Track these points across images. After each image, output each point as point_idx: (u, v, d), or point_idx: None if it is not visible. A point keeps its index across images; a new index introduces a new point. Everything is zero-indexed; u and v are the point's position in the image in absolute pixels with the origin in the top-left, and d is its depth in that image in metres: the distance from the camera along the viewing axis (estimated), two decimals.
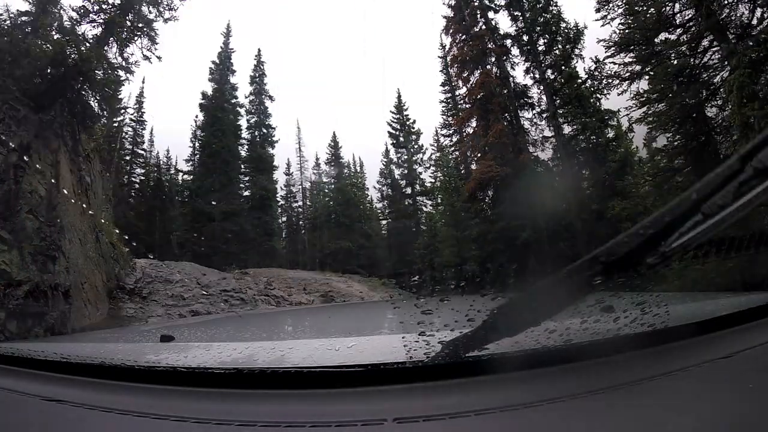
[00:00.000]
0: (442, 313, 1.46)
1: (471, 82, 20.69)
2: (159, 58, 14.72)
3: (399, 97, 40.79)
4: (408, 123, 40.51)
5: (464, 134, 23.08)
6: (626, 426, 0.87)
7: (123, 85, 13.26)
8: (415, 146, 39.89)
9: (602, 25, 14.24)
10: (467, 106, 21.74)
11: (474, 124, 21.02)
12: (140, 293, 14.17)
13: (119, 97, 38.23)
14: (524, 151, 19.31)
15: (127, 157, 41.02)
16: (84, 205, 11.57)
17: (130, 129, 40.45)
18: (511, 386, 1.01)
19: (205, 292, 14.87)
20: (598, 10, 14.46)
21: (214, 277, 18.72)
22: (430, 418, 0.90)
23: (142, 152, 40.70)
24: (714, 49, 11.91)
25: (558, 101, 19.73)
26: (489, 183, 18.97)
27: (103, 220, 15.03)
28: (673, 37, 12.63)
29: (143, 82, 42.05)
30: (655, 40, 12.80)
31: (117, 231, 17.59)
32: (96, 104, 12.04)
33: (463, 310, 1.32)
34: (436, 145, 37.26)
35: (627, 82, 13.74)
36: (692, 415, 0.88)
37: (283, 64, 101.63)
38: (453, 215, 20.45)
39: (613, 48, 13.62)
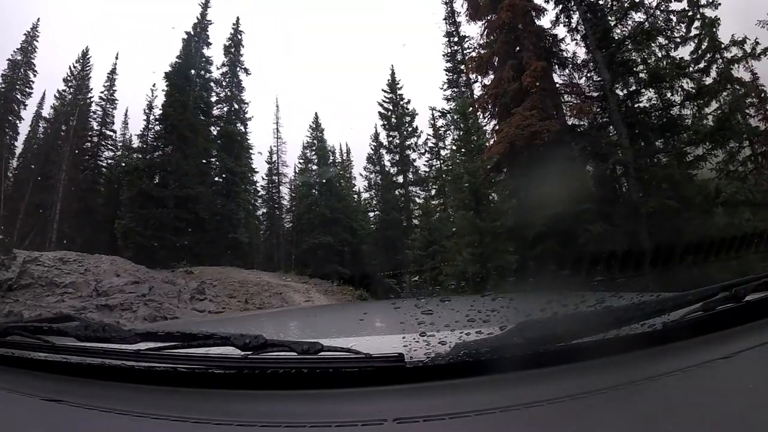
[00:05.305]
0: (442, 313, 1.54)
1: (491, 15, 15.01)
2: None
3: (393, 74, 35.17)
4: (402, 103, 35.16)
5: (480, 85, 17.29)
6: (626, 426, 0.85)
7: None
8: (409, 129, 34.59)
9: None
10: (483, 50, 16.08)
11: (494, 71, 15.28)
12: None
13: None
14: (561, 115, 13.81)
15: (95, 139, 36.61)
16: None
17: (99, 108, 36.28)
18: (511, 386, 0.98)
19: (74, 306, 9.45)
20: None
21: (124, 280, 13.30)
22: (430, 418, 0.87)
23: (112, 134, 36.44)
24: None
25: (605, 49, 14.00)
26: (528, 145, 12.45)
27: None
28: None
29: (116, 58, 37.89)
30: None
31: None
32: None
33: (463, 310, 1.45)
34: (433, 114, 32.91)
35: None
36: (692, 415, 0.85)
37: (269, 43, 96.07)
38: (473, 194, 13.94)
39: None
